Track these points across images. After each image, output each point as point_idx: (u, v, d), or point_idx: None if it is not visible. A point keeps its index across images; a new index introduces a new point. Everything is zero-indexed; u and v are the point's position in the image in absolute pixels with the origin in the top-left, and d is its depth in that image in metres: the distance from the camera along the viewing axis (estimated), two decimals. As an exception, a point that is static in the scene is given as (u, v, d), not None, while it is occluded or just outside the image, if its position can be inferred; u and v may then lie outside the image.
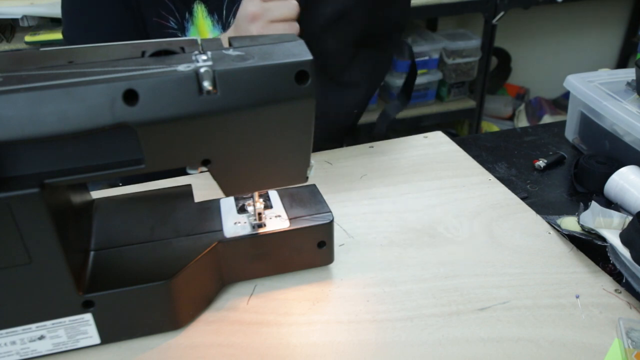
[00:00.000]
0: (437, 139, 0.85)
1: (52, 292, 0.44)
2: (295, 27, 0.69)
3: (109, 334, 0.48)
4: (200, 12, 0.84)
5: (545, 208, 0.68)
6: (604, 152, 0.76)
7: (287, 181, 0.51)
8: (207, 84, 0.39)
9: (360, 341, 0.48)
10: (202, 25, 0.84)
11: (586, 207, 0.63)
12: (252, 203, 0.53)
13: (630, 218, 0.59)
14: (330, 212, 0.55)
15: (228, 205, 0.56)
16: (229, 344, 0.48)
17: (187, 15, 0.84)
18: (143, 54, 0.42)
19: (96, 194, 0.61)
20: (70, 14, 0.82)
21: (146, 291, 0.46)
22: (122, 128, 0.39)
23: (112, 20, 0.81)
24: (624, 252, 0.55)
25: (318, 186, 0.59)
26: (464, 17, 2.21)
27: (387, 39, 0.86)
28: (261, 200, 0.54)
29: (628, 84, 0.78)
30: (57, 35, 1.46)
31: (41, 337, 0.46)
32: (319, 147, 0.79)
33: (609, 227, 0.60)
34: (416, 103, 1.98)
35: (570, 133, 0.85)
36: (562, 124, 0.88)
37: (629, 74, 0.79)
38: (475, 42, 1.91)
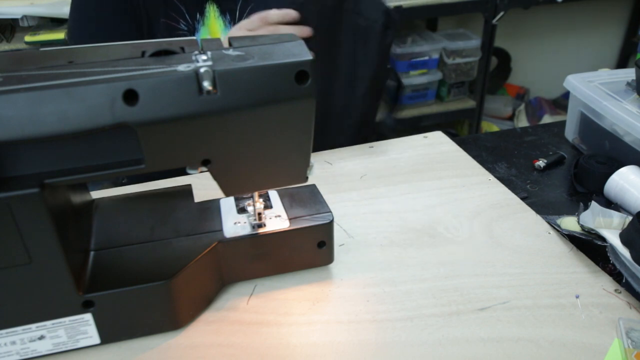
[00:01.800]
0: (437, 139, 0.85)
1: (52, 292, 0.44)
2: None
3: (109, 334, 0.48)
4: (212, 12, 0.84)
5: (545, 208, 0.68)
6: (604, 152, 0.76)
7: (287, 181, 0.51)
8: (207, 84, 0.39)
9: (360, 341, 0.48)
10: (214, 26, 0.85)
11: (586, 207, 0.63)
12: (252, 203, 0.53)
13: (630, 218, 0.59)
14: (330, 212, 0.55)
15: (228, 205, 0.56)
16: (229, 344, 0.48)
17: (197, 15, 0.84)
18: (143, 54, 0.42)
19: (96, 194, 0.61)
20: (77, 21, 0.82)
21: (146, 291, 0.46)
22: (122, 128, 0.39)
23: (118, 23, 0.81)
24: (624, 252, 0.55)
25: (318, 186, 0.59)
26: (464, 17, 2.21)
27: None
28: (261, 200, 0.54)
29: (628, 84, 0.78)
30: (57, 35, 1.46)
31: (41, 337, 0.46)
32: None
33: (609, 227, 0.60)
34: (416, 103, 1.98)
35: (570, 133, 0.85)
36: (562, 124, 0.88)
37: (629, 74, 0.79)
38: (475, 42, 1.91)
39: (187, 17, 0.84)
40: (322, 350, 0.47)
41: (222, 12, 0.85)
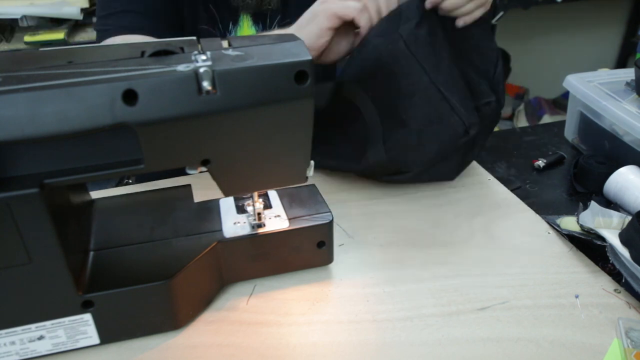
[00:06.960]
0: (437, 139, 0.85)
1: (52, 292, 0.44)
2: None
3: (109, 334, 0.48)
4: (245, 22, 0.85)
5: (545, 208, 0.68)
6: (604, 152, 0.76)
7: (287, 181, 0.51)
8: (206, 84, 0.39)
9: (360, 341, 0.48)
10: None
11: (585, 207, 0.63)
12: (251, 203, 0.53)
13: (629, 218, 0.59)
14: (330, 212, 0.55)
15: (228, 205, 0.56)
16: (228, 344, 0.48)
17: (230, 25, 0.84)
18: (143, 54, 0.42)
19: (96, 194, 0.61)
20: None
21: (146, 291, 0.46)
22: (121, 128, 0.39)
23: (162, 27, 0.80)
24: (624, 251, 0.55)
25: (318, 186, 0.59)
26: (464, 17, 2.20)
27: None
28: (261, 200, 0.54)
29: (627, 84, 0.78)
30: (57, 35, 1.46)
31: (41, 337, 0.46)
32: None
33: (609, 227, 0.60)
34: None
35: (570, 133, 0.85)
36: (562, 124, 0.88)
37: (628, 74, 0.79)
38: (475, 42, 1.91)
39: (220, 25, 0.84)
40: (322, 350, 0.47)
41: (255, 22, 0.86)
